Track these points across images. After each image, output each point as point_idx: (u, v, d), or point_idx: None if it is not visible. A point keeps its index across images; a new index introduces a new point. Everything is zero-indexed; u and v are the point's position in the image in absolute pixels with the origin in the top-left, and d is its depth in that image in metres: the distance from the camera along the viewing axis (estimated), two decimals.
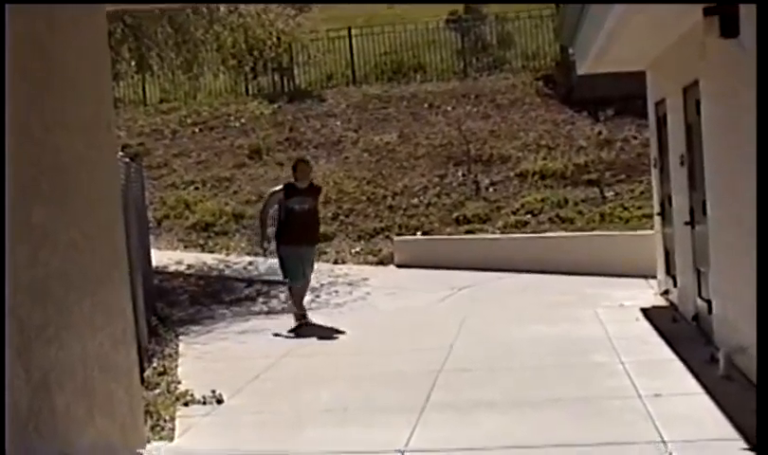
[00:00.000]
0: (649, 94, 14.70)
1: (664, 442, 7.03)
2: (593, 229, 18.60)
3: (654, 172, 14.42)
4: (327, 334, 12.80)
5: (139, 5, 8.48)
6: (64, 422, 6.05)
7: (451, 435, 7.72)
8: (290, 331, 13.17)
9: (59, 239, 6.20)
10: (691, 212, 11.32)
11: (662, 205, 13.82)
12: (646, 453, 6.90)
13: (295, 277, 13.50)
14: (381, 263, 19.35)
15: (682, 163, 11.82)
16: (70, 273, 6.38)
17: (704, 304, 10.73)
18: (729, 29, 8.54)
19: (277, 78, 29.75)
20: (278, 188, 13.97)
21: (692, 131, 11.27)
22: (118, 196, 8.21)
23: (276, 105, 27.13)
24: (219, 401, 9.30)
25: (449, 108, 25.69)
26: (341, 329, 12.97)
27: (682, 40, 11.02)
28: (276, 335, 13.00)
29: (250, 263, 19.09)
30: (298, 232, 13.33)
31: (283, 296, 16.11)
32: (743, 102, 8.67)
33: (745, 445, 6.81)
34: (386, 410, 8.65)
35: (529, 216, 19.91)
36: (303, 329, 13.18)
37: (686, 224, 11.44)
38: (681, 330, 11.35)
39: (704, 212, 10.46)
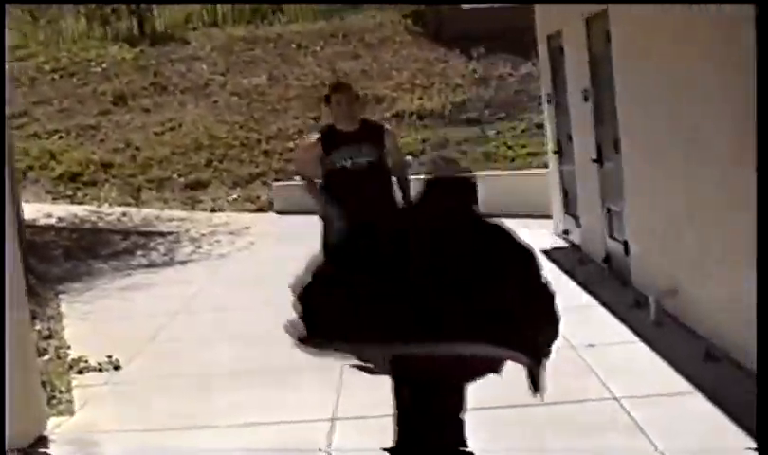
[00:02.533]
0: (540, 26, 14.24)
1: (615, 398, 6.61)
2: (478, 169, 18.14)
3: (548, 109, 13.97)
4: None
5: None
6: None
7: None
8: None
9: None
10: (599, 149, 10.93)
11: (559, 142, 13.42)
12: (603, 411, 6.46)
13: None
14: (260, 210, 18.61)
15: (585, 98, 11.40)
16: None
17: (618, 245, 10.35)
18: None
19: (135, 21, 28.70)
20: (313, 137, 8.49)
21: (598, 64, 10.87)
22: None
23: (138, 49, 26.00)
24: (116, 367, 8.56)
25: (318, 48, 25.11)
26: None
27: None
28: None
29: (124, 214, 18.09)
30: (353, 203, 7.60)
31: (162, 248, 15.32)
32: (658, 29, 8.33)
33: (703, 397, 6.44)
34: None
35: (410, 157, 19.37)
36: None
37: (594, 161, 11.04)
38: (591, 272, 10.95)
39: (617, 149, 10.07)
